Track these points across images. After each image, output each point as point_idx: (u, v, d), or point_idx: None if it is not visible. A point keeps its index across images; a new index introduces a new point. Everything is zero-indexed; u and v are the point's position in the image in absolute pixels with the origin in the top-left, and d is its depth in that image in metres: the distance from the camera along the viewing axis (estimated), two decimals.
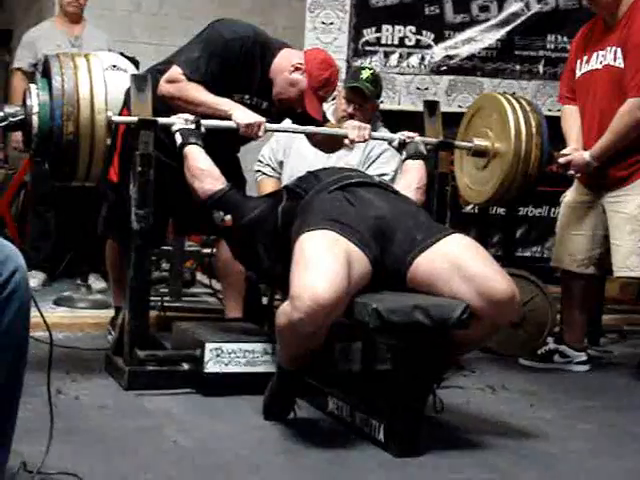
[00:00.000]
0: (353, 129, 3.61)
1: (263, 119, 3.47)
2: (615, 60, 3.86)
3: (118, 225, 3.55)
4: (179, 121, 3.37)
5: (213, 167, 3.27)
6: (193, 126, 3.36)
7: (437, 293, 2.86)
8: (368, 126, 3.67)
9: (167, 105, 3.50)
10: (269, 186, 4.35)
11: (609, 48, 3.89)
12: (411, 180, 3.47)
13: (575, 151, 3.97)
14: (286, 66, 3.60)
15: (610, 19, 3.93)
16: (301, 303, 2.64)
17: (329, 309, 2.65)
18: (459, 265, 2.84)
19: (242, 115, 3.44)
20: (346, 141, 3.65)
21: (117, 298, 4.01)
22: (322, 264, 2.72)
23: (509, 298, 2.78)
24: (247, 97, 3.64)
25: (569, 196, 4.20)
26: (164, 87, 3.52)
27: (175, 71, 3.51)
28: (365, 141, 3.71)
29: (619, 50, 3.85)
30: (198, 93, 3.47)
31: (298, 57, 3.63)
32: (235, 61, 3.55)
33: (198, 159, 3.27)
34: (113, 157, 3.73)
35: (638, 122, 3.81)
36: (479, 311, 2.77)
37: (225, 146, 3.59)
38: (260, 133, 3.46)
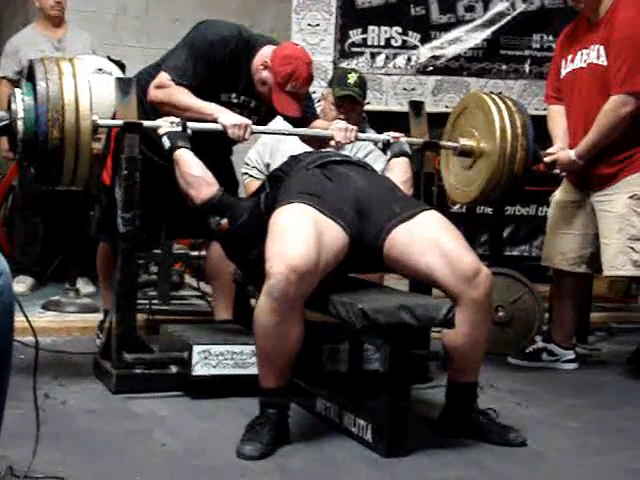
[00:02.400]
0: (339, 131, 3.60)
1: (249, 121, 3.48)
2: (598, 58, 3.87)
3: (110, 227, 3.54)
4: (165, 124, 3.36)
5: (206, 172, 3.25)
6: (179, 128, 3.35)
7: (411, 265, 2.95)
8: (354, 127, 3.66)
9: (157, 110, 3.50)
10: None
11: (592, 46, 3.90)
12: (397, 175, 3.49)
13: (560, 150, 3.98)
14: (257, 64, 3.59)
15: (593, 17, 3.94)
16: (275, 269, 2.74)
17: (301, 273, 2.73)
18: (436, 240, 2.94)
19: (228, 117, 3.44)
20: (332, 143, 3.64)
21: (107, 301, 3.98)
22: (291, 234, 2.83)
23: (477, 269, 2.88)
24: (234, 96, 3.64)
25: (558, 195, 4.21)
26: (152, 93, 3.52)
27: (163, 77, 3.52)
28: (351, 142, 3.71)
29: (602, 48, 3.85)
30: (185, 97, 3.47)
31: (268, 54, 3.56)
32: (221, 61, 3.55)
33: (190, 165, 3.25)
34: (106, 160, 3.73)
35: (622, 119, 3.82)
36: (453, 288, 2.87)
37: (216, 150, 3.58)
38: (247, 135, 3.46)
